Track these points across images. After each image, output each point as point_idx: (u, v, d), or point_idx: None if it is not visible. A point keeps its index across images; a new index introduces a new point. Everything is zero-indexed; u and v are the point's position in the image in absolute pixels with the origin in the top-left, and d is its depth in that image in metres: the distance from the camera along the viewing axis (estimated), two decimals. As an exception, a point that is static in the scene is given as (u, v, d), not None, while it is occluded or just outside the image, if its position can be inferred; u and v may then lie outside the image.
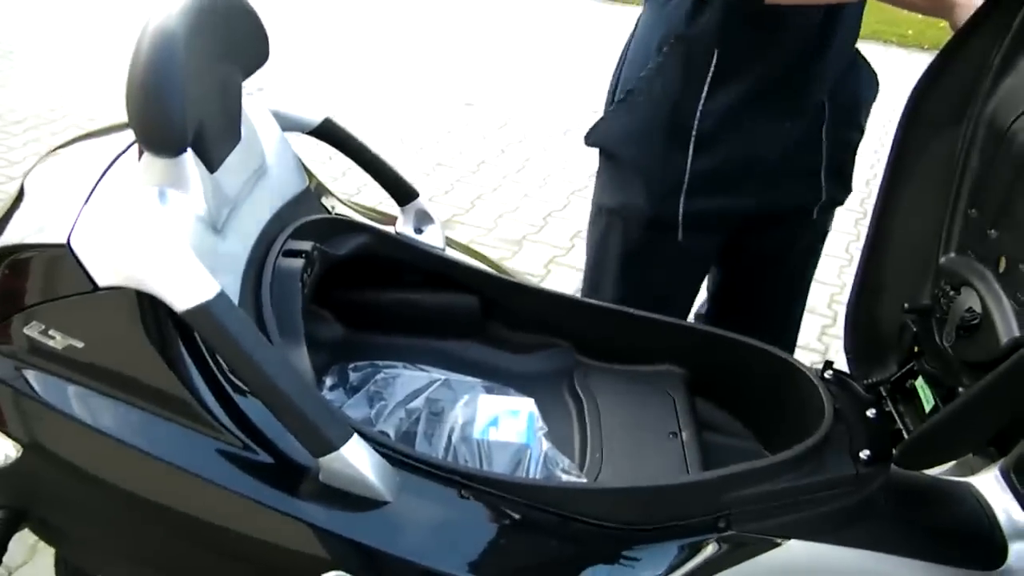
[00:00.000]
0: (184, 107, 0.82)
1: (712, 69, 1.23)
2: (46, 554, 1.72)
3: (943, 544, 1.05)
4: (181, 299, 0.80)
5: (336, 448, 0.82)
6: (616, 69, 1.39)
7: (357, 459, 0.83)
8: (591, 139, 1.38)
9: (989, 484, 1.11)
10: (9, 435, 0.91)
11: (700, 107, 1.25)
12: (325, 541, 0.85)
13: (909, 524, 1.05)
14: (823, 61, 1.27)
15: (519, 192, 3.42)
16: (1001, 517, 1.06)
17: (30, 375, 0.90)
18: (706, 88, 1.25)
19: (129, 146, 0.97)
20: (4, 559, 0.98)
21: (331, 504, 0.85)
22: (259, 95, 1.10)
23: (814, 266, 1.53)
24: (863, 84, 1.37)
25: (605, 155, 1.38)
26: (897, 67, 5.79)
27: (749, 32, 1.22)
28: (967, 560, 1.04)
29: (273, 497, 0.85)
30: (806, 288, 1.54)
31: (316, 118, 1.21)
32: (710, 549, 0.94)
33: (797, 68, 1.26)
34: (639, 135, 1.31)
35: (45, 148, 3.72)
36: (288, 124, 1.18)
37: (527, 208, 3.24)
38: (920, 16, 6.78)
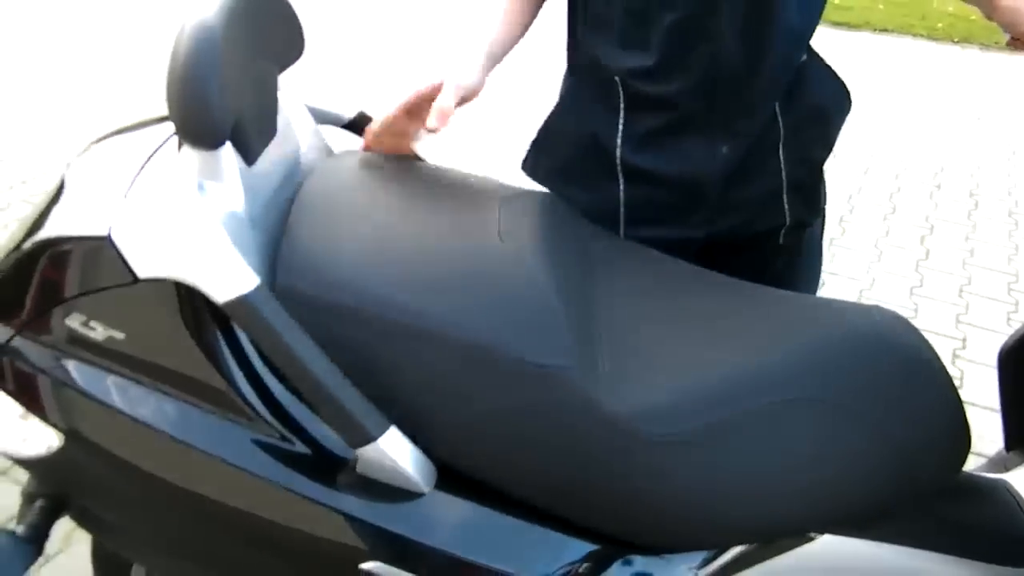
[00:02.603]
0: (223, 101, 0.83)
1: (621, 97, 1.15)
2: (82, 543, 1.74)
3: (977, 540, 1.04)
4: (221, 291, 0.81)
5: (374, 439, 0.83)
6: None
7: (394, 450, 0.84)
8: (524, 168, 1.30)
9: (1024, 481, 1.10)
10: (52, 424, 0.93)
11: (619, 135, 1.17)
12: (362, 532, 0.86)
13: (943, 520, 1.04)
14: (756, 78, 1.14)
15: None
16: None
17: (72, 366, 0.91)
18: (621, 116, 1.16)
19: (168, 139, 0.98)
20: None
21: (368, 495, 0.86)
22: (294, 89, 1.11)
23: (805, 281, 1.39)
24: (827, 97, 1.24)
25: (547, 185, 1.27)
26: (926, 61, 5.76)
27: (635, 49, 1.13)
28: (1001, 556, 1.03)
29: (310, 487, 0.86)
30: None
31: (350, 112, 1.22)
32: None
33: (721, 87, 1.14)
34: (565, 168, 1.23)
35: None
36: (322, 118, 1.19)
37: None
38: (950, 9, 6.74)
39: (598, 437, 0.86)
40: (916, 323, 1.01)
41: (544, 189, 1.17)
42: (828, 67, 1.22)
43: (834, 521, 0.96)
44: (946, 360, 2.53)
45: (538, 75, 4.60)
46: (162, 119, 1.07)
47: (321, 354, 0.83)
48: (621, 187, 1.20)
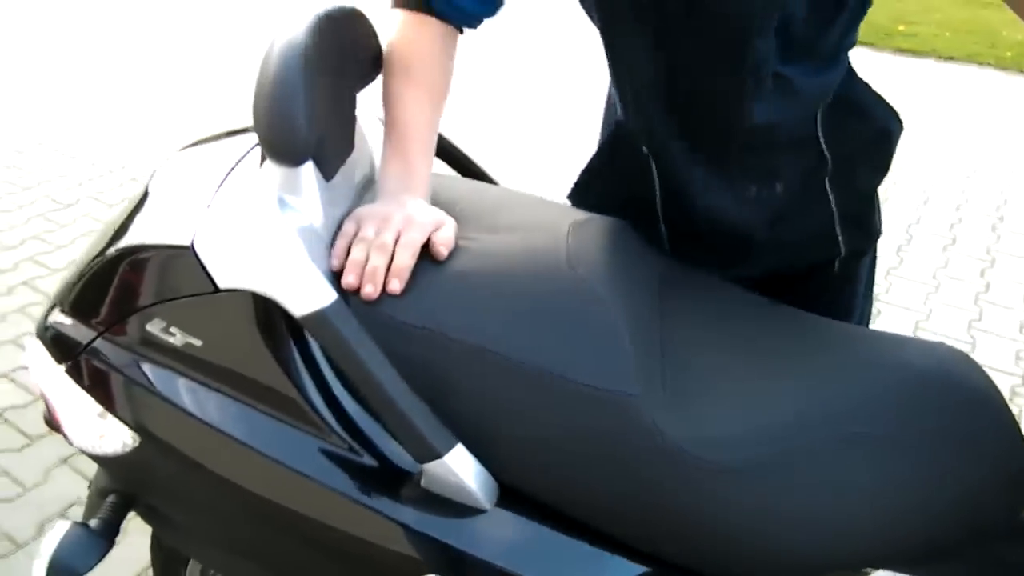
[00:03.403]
0: (310, 120, 0.86)
1: (654, 166, 1.14)
2: (137, 533, 1.78)
3: None
4: (299, 304, 0.84)
5: (441, 455, 0.84)
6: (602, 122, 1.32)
7: (460, 466, 0.86)
8: (571, 200, 1.29)
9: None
10: (128, 424, 0.96)
11: (658, 192, 1.16)
12: (424, 545, 0.88)
13: (1003, 562, 1.03)
14: (772, 136, 1.12)
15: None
16: None
17: (150, 369, 0.94)
18: (656, 182, 1.15)
19: (249, 151, 1.01)
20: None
21: (431, 509, 0.88)
22: (369, 105, 1.14)
23: (859, 306, 1.36)
24: (875, 124, 1.20)
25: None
26: (993, 90, 5.67)
27: (675, 128, 1.12)
28: None
29: (375, 499, 0.88)
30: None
31: None
32: None
33: (739, 152, 1.12)
34: (611, 209, 1.15)
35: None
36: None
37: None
38: (1020, 38, 6.59)
39: (658, 462, 0.87)
40: (973, 357, 1.00)
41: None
42: (874, 92, 1.19)
43: (890, 559, 0.95)
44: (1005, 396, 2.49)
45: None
46: (243, 131, 1.10)
47: (393, 371, 0.85)
48: (664, 235, 1.20)
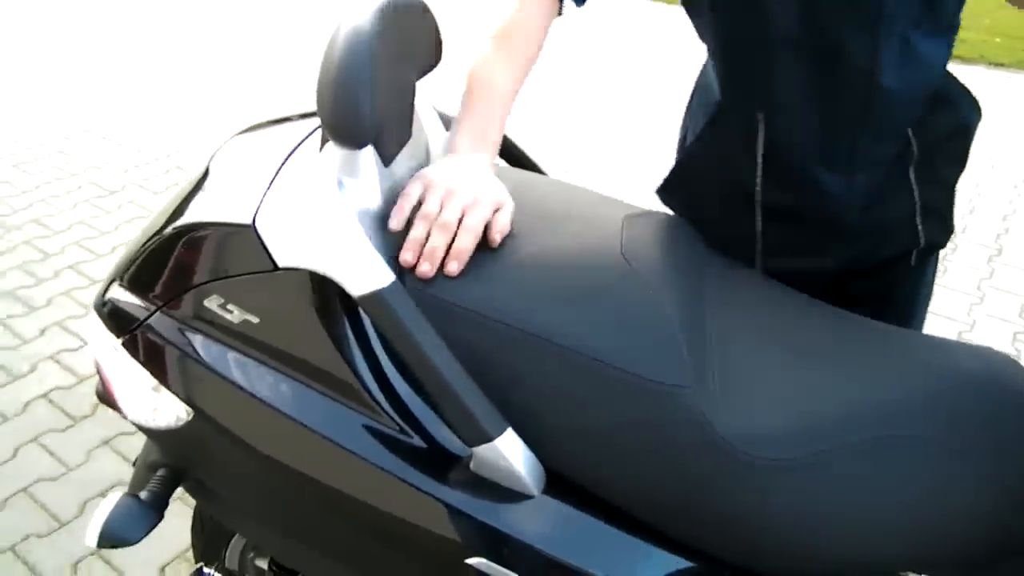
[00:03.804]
0: (374, 105, 0.87)
1: (761, 135, 1.14)
2: (178, 516, 1.81)
3: None
4: (358, 285, 0.84)
5: (492, 439, 0.85)
6: (684, 116, 1.32)
7: (510, 451, 0.86)
8: (660, 196, 1.30)
9: None
10: (182, 398, 0.98)
11: (759, 176, 1.16)
12: (470, 528, 0.88)
13: None
14: (892, 106, 1.12)
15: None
16: None
17: (206, 345, 0.95)
18: (760, 155, 1.15)
19: (309, 135, 1.02)
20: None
21: (479, 493, 0.88)
22: (426, 94, 1.14)
23: (923, 309, 1.38)
24: (960, 114, 1.20)
25: (683, 213, 1.27)
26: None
27: (795, 88, 1.11)
28: None
29: (424, 480, 0.89)
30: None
31: None
32: None
33: (859, 118, 1.12)
34: (703, 201, 1.21)
35: None
36: (451, 124, 1.22)
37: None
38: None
39: (706, 456, 0.86)
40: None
41: (667, 210, 1.18)
42: (960, 83, 1.18)
43: (935, 563, 0.94)
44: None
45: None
46: (302, 116, 1.11)
47: (448, 353, 0.85)
48: (759, 222, 1.20)
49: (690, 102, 1.30)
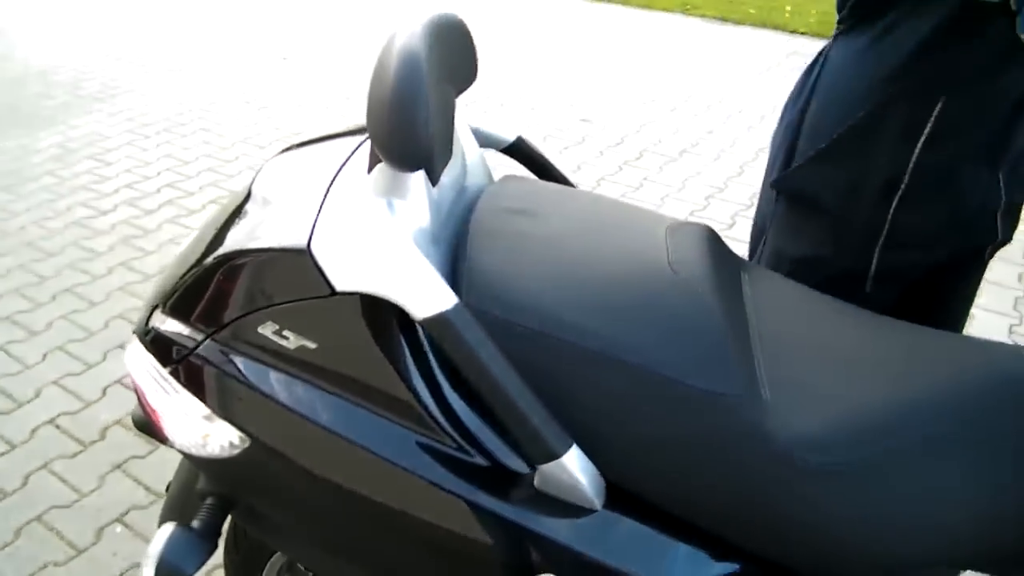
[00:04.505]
0: (431, 127, 0.87)
1: (932, 120, 1.19)
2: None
3: None
4: (422, 308, 0.85)
5: (559, 456, 0.85)
6: (797, 105, 1.34)
7: (575, 467, 0.86)
8: (785, 184, 1.33)
9: None
10: (236, 426, 0.97)
11: (914, 161, 1.21)
12: (537, 544, 0.89)
13: None
14: None
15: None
16: None
17: (262, 372, 0.95)
18: (923, 141, 1.20)
19: (353, 153, 1.02)
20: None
21: (544, 509, 0.89)
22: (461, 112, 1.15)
23: (972, 299, 1.48)
24: None
25: (799, 203, 1.32)
26: None
27: (976, 84, 1.17)
28: None
29: (488, 499, 0.89)
30: (964, 321, 1.51)
31: (510, 136, 1.25)
32: None
33: (1009, 118, 1.21)
34: (845, 187, 1.26)
35: (178, 150, 3.91)
36: (485, 141, 1.22)
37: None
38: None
39: (761, 462, 0.87)
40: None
41: (692, 220, 1.19)
42: None
43: (983, 561, 0.96)
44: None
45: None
46: (343, 134, 1.11)
47: (513, 372, 0.86)
48: (892, 211, 1.24)
49: (811, 86, 1.31)
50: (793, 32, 6.30)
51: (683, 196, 3.60)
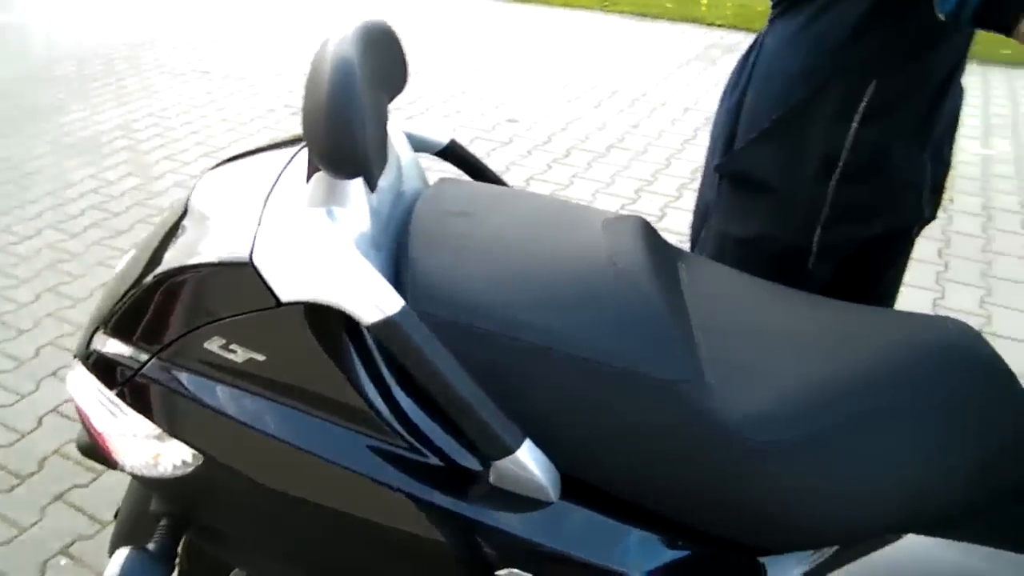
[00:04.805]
0: (367, 134, 0.88)
1: (866, 100, 1.23)
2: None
3: None
4: (369, 313, 0.85)
5: (513, 451, 0.87)
6: (736, 90, 1.38)
7: (529, 461, 0.88)
8: (728, 167, 1.37)
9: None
10: (188, 444, 0.97)
11: (850, 139, 1.26)
12: (497, 540, 0.90)
13: (1021, 519, 1.09)
14: (953, 86, 1.29)
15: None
16: None
17: (211, 388, 0.95)
18: (858, 120, 1.25)
19: (288, 164, 1.02)
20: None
21: (501, 505, 0.90)
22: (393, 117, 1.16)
23: (902, 277, 1.56)
24: (960, 100, 1.39)
25: (743, 185, 1.36)
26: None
27: (906, 63, 1.23)
28: None
29: (445, 498, 0.90)
30: (895, 298, 1.58)
31: (443, 139, 1.26)
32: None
33: (935, 96, 1.27)
34: (786, 165, 1.30)
35: (101, 170, 3.81)
36: (419, 145, 1.23)
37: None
38: None
39: (709, 445, 0.90)
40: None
41: (626, 213, 1.22)
42: None
43: (921, 522, 1.00)
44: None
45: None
46: (275, 145, 1.11)
47: (463, 371, 0.87)
48: (832, 189, 1.29)
49: (748, 70, 1.36)
50: (710, 25, 6.43)
51: (613, 191, 3.65)
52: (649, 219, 3.31)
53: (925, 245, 3.27)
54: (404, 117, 4.40)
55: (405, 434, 0.91)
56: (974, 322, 2.83)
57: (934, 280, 3.09)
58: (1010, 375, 1.03)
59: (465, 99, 4.74)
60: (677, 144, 4.16)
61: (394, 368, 0.92)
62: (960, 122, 1.41)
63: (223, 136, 4.28)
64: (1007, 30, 1.03)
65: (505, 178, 3.64)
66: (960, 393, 1.00)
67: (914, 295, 2.97)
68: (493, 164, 3.82)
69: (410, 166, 1.17)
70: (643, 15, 6.61)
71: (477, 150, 3.97)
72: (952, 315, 1.12)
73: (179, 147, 4.18)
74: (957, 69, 1.29)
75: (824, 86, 1.25)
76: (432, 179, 1.18)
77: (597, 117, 4.52)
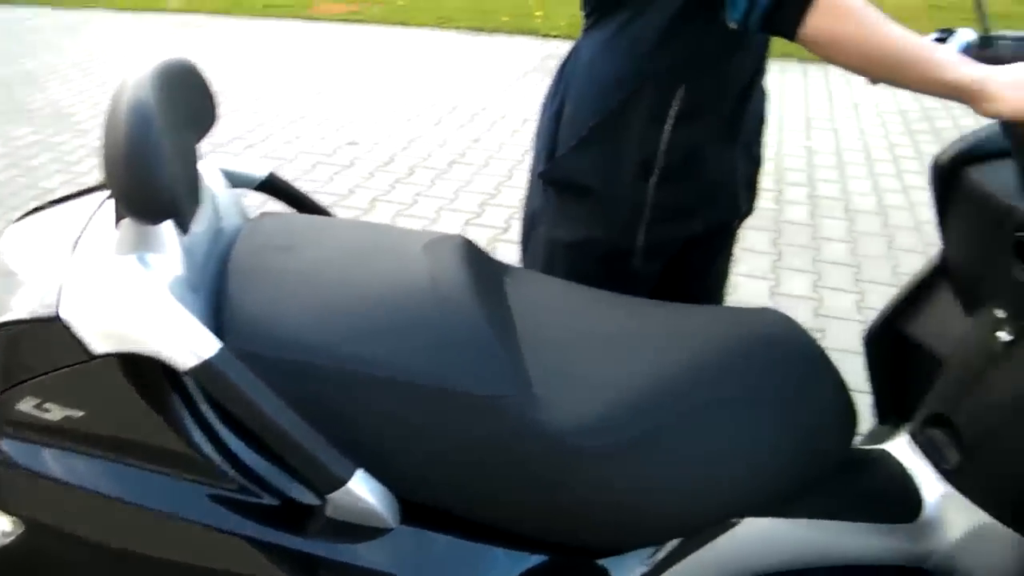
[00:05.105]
0: (169, 176, 0.87)
1: (677, 104, 1.29)
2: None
3: (875, 505, 1.17)
4: (185, 358, 0.84)
5: (344, 482, 0.87)
6: (555, 100, 1.42)
7: (363, 491, 0.88)
8: (552, 174, 1.41)
9: (902, 448, 1.25)
10: (8, 512, 0.93)
11: (664, 142, 1.31)
12: (342, 572, 0.90)
13: (844, 491, 1.17)
14: (756, 88, 1.39)
15: (415, 227, 3.49)
16: (915, 475, 1.20)
17: (28, 450, 0.91)
18: (670, 123, 1.31)
19: (95, 212, 1.00)
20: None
21: (339, 537, 0.90)
22: (207, 155, 1.14)
23: (727, 271, 1.64)
24: (763, 101, 1.48)
25: (567, 190, 1.40)
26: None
27: (711, 68, 1.30)
28: (893, 516, 1.17)
29: (282, 536, 0.90)
30: (723, 291, 1.65)
31: (261, 173, 1.25)
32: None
33: (741, 98, 1.36)
34: (607, 169, 1.35)
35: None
36: (236, 181, 1.22)
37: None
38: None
39: (542, 455, 0.93)
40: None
41: (451, 232, 1.24)
42: None
43: (756, 505, 1.06)
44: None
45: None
46: (80, 193, 1.08)
47: (286, 407, 0.87)
48: (652, 189, 1.34)
49: (565, 81, 1.40)
50: (546, 36, 6.56)
51: (457, 207, 3.68)
52: (494, 231, 3.39)
53: (759, 236, 3.45)
54: (243, 146, 4.31)
55: (237, 477, 0.90)
56: (807, 305, 2.99)
57: (769, 270, 3.25)
58: (824, 357, 1.10)
59: (305, 124, 4.68)
60: (518, 155, 4.23)
61: (219, 411, 0.91)
62: (765, 121, 1.50)
63: (53, 178, 4.09)
64: (792, 36, 1.10)
65: (348, 202, 3.66)
66: (780, 379, 1.06)
67: (751, 285, 3.12)
68: (336, 188, 3.79)
69: (228, 204, 1.16)
70: (479, 30, 6.69)
71: (319, 175, 3.93)
72: (788, 300, 1.19)
73: (6, 191, 3.97)
74: (758, 73, 1.38)
75: (637, 92, 1.30)
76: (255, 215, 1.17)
77: (438, 134, 4.55)
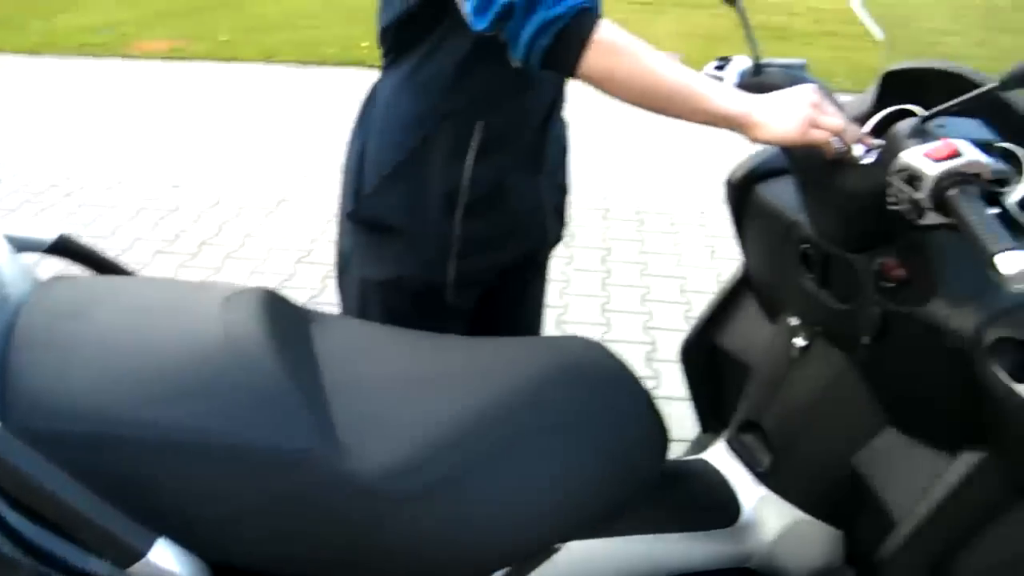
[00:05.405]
0: None
1: (477, 139, 1.33)
2: None
3: (693, 514, 1.22)
4: None
5: (143, 554, 0.85)
6: (358, 139, 1.43)
7: (165, 560, 0.86)
8: (359, 214, 1.41)
9: (720, 455, 1.31)
10: None
11: (467, 177, 1.34)
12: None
13: (663, 504, 1.21)
14: (556, 119, 1.44)
15: (245, 269, 3.41)
16: (732, 480, 1.26)
17: None
18: (471, 157, 1.34)
19: None
20: None
21: None
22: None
23: (543, 297, 1.68)
24: (564, 130, 1.53)
25: (375, 229, 1.40)
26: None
27: (508, 102, 1.34)
28: (713, 522, 1.22)
29: None
30: (541, 317, 1.69)
31: (50, 236, 1.20)
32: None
33: (541, 130, 1.41)
34: (414, 205, 1.36)
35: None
36: (22, 246, 1.16)
37: (257, 282, 3.23)
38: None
39: (350, 505, 0.93)
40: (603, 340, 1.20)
41: (256, 285, 1.23)
42: None
43: (576, 528, 1.09)
44: (641, 363, 2.81)
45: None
46: None
47: (73, 483, 0.84)
48: (459, 223, 1.37)
49: (367, 120, 1.41)
50: (372, 66, 6.52)
51: (287, 245, 3.62)
52: (324, 270, 3.35)
53: (588, 255, 3.53)
54: (61, 194, 4.10)
55: (30, 562, 0.86)
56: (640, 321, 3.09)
57: (600, 287, 3.34)
58: (632, 379, 1.14)
59: (126, 167, 4.51)
60: (350, 189, 4.19)
61: (3, 495, 0.86)
62: (567, 150, 1.55)
63: None
64: (571, 73, 1.15)
65: (175, 247, 3.54)
66: (589, 404, 1.10)
67: (582, 303, 3.20)
68: (161, 233, 3.66)
69: (13, 272, 1.10)
70: (305, 63, 6.62)
71: (144, 221, 3.79)
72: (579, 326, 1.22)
73: None
74: (556, 104, 1.43)
75: (436, 128, 1.33)
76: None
77: (267, 171, 4.46)
